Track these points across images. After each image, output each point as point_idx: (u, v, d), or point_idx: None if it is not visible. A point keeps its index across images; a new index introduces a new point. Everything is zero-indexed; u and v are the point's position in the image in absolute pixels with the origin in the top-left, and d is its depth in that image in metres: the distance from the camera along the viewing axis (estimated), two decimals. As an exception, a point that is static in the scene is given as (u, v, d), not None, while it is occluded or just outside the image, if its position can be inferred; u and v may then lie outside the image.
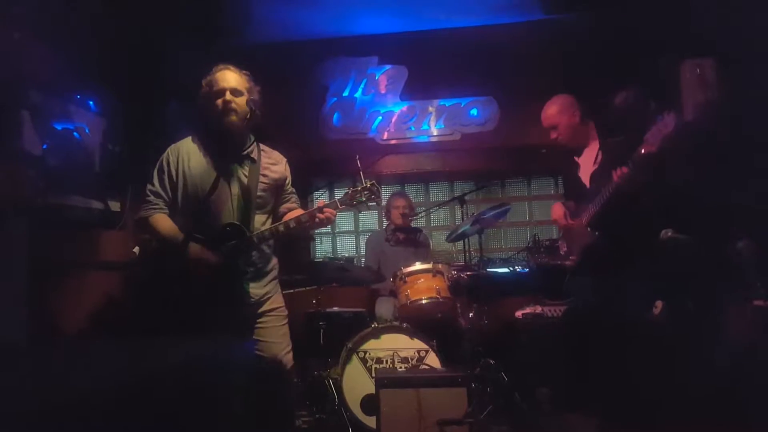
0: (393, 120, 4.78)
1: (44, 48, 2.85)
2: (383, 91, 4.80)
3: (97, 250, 3.36)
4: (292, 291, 2.70)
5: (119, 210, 3.49)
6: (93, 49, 3.17)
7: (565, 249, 3.02)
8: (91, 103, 3.31)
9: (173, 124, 3.72)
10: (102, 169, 3.36)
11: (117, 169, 3.48)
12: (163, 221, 2.32)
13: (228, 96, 2.27)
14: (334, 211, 2.31)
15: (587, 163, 2.86)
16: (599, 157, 2.79)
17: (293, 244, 2.57)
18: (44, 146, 2.87)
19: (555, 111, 2.90)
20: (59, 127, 3.03)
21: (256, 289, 2.35)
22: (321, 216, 2.27)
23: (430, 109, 4.78)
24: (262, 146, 2.46)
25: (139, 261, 2.77)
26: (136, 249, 2.73)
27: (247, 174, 2.35)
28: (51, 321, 2.94)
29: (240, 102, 2.29)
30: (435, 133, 4.78)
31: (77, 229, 3.19)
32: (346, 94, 4.82)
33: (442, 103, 4.77)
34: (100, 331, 3.17)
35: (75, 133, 3.15)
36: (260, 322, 2.36)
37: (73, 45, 3.01)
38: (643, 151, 2.41)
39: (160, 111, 3.76)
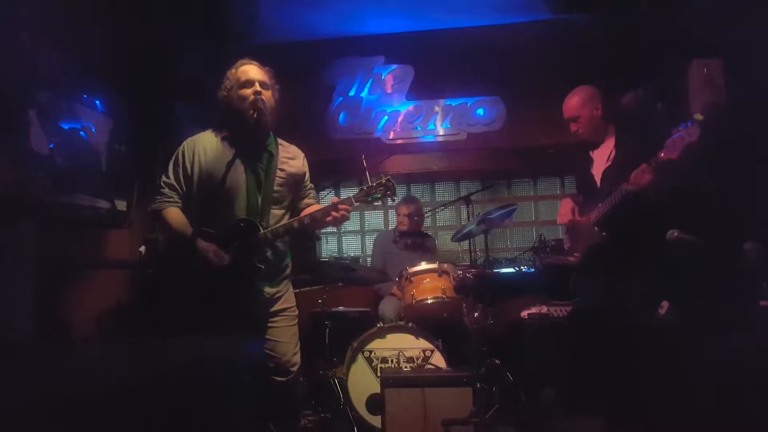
0: (399, 120, 4.77)
1: (51, 48, 2.87)
2: (389, 91, 4.79)
3: (103, 249, 3.38)
4: (298, 290, 2.71)
5: (126, 209, 3.50)
6: (100, 49, 3.19)
7: (569, 245, 2.99)
8: (97, 102, 3.32)
9: (180, 123, 3.74)
10: (109, 169, 3.38)
11: (124, 169, 3.50)
12: (175, 215, 2.31)
13: (258, 87, 2.27)
14: (349, 208, 2.29)
15: (601, 159, 2.81)
16: (613, 154, 2.74)
17: (299, 243, 2.57)
18: (51, 145, 2.89)
19: (578, 102, 2.79)
20: (66, 127, 3.05)
21: (269, 287, 2.34)
22: (335, 213, 2.26)
23: (437, 108, 4.76)
24: (279, 140, 2.44)
25: (145, 260, 2.79)
26: (143, 248, 2.74)
27: (264, 168, 2.33)
28: (58, 320, 2.96)
29: (268, 96, 2.30)
30: (441, 133, 4.77)
31: (84, 228, 3.21)
32: (352, 93, 4.82)
33: (448, 103, 4.75)
34: (107, 330, 3.19)
35: (82, 133, 3.17)
36: (272, 322, 2.35)
37: (80, 45, 3.04)
38: (662, 156, 2.35)
39: (167, 111, 3.78)
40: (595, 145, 2.86)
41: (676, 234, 2.38)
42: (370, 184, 2.31)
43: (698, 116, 2.32)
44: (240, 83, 2.29)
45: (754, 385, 2.14)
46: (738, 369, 2.16)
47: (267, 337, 2.33)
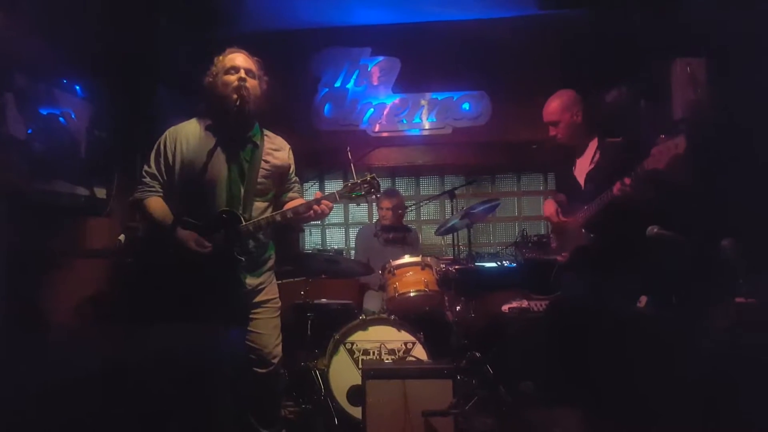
0: (385, 112, 4.76)
1: (30, 31, 2.80)
2: (376, 83, 4.78)
3: (82, 237, 3.33)
4: (280, 282, 2.71)
5: (105, 197, 3.45)
6: (81, 34, 3.13)
7: (555, 244, 3.02)
8: (77, 88, 3.26)
9: (162, 111, 3.68)
10: (88, 156, 3.33)
11: (103, 156, 3.44)
12: (157, 204, 2.29)
13: (243, 74, 2.26)
14: (332, 204, 2.29)
15: (584, 161, 2.82)
16: (596, 156, 2.76)
17: (282, 235, 2.56)
18: (29, 131, 2.83)
19: (557, 107, 2.79)
20: (45, 112, 2.99)
21: (250, 279, 2.33)
22: (318, 208, 2.25)
23: (423, 102, 4.77)
24: (265, 132, 2.43)
25: (124, 248, 2.75)
26: (122, 236, 2.70)
27: (248, 159, 2.32)
28: (35, 308, 2.91)
29: (253, 84, 2.28)
30: (427, 127, 4.78)
31: (62, 216, 3.16)
32: (338, 84, 4.80)
33: (434, 97, 4.76)
34: (84, 319, 3.14)
35: (61, 119, 3.11)
36: (253, 313, 2.34)
37: (60, 28, 2.97)
38: (648, 165, 2.37)
39: (148, 98, 3.72)
40: (575, 150, 2.86)
41: (656, 230, 2.41)
42: (354, 180, 2.30)
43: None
44: (225, 69, 2.27)
45: (726, 382, 2.18)
46: (712, 362, 2.21)
47: (249, 328, 2.33)
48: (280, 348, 2.40)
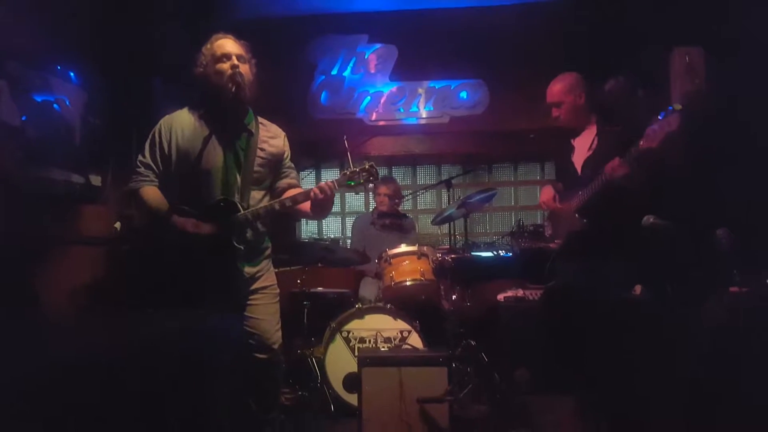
0: (382, 101, 4.73)
1: (24, 17, 2.77)
2: (373, 71, 4.74)
3: (77, 225, 3.32)
4: (277, 270, 2.73)
5: (100, 184, 3.44)
6: (75, 20, 3.10)
7: (550, 231, 3.03)
8: (72, 74, 3.23)
9: (157, 99, 3.66)
10: (83, 143, 3.30)
11: (98, 143, 3.42)
12: (152, 193, 2.28)
13: (235, 60, 2.22)
14: (332, 185, 2.24)
15: (582, 147, 2.84)
16: (594, 143, 2.77)
17: (279, 223, 2.55)
18: (23, 118, 2.81)
19: (562, 88, 2.81)
20: (39, 99, 2.96)
21: (248, 268, 2.32)
22: (317, 190, 2.21)
23: (420, 90, 4.74)
24: (260, 119, 2.40)
25: (120, 236, 2.75)
26: (118, 224, 2.70)
27: (243, 147, 2.30)
28: (30, 296, 2.90)
29: (245, 69, 2.25)
30: (424, 116, 4.75)
31: (57, 203, 3.14)
32: (334, 72, 4.76)
33: (431, 85, 4.73)
34: (79, 307, 3.14)
35: (55, 105, 3.09)
36: (252, 299, 2.34)
37: (54, 15, 2.94)
38: (642, 145, 2.38)
39: (143, 85, 3.69)
40: (576, 132, 2.88)
41: (651, 220, 2.42)
42: (352, 168, 2.28)
43: (677, 106, 2.35)
44: (216, 58, 2.24)
45: (720, 370, 2.21)
46: (706, 351, 2.23)
47: (248, 315, 2.32)
48: (279, 334, 2.41)
